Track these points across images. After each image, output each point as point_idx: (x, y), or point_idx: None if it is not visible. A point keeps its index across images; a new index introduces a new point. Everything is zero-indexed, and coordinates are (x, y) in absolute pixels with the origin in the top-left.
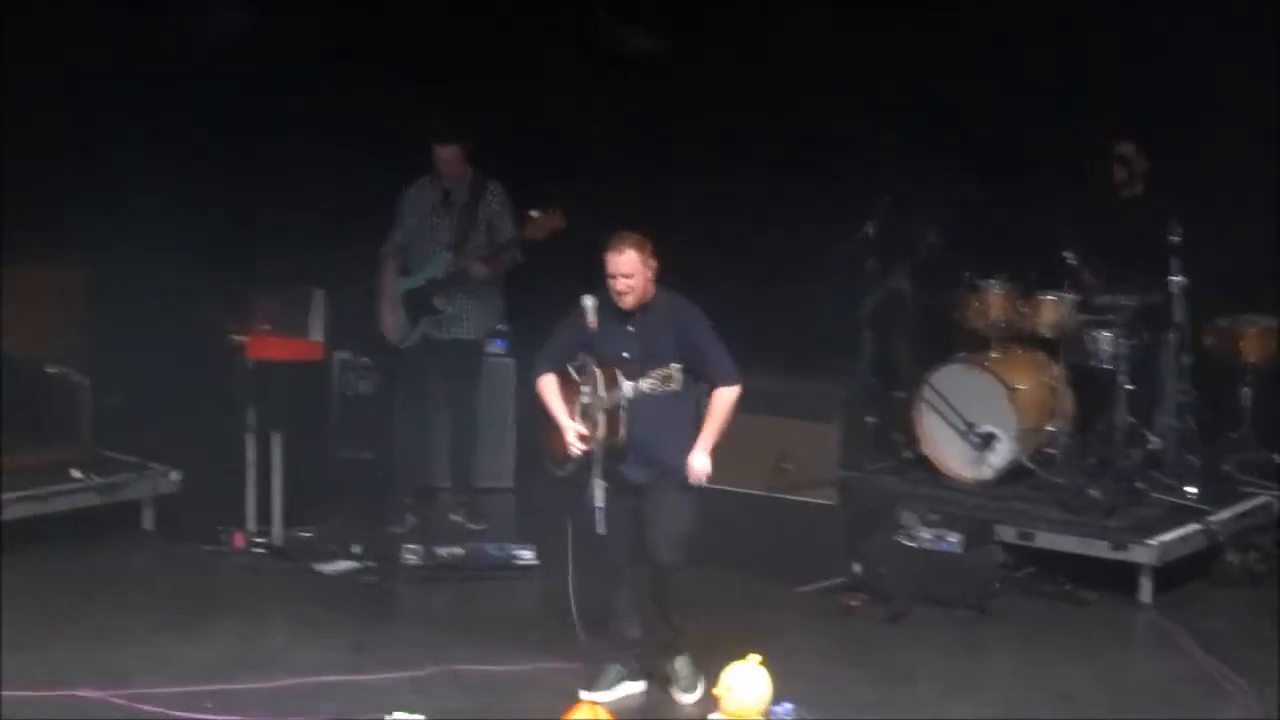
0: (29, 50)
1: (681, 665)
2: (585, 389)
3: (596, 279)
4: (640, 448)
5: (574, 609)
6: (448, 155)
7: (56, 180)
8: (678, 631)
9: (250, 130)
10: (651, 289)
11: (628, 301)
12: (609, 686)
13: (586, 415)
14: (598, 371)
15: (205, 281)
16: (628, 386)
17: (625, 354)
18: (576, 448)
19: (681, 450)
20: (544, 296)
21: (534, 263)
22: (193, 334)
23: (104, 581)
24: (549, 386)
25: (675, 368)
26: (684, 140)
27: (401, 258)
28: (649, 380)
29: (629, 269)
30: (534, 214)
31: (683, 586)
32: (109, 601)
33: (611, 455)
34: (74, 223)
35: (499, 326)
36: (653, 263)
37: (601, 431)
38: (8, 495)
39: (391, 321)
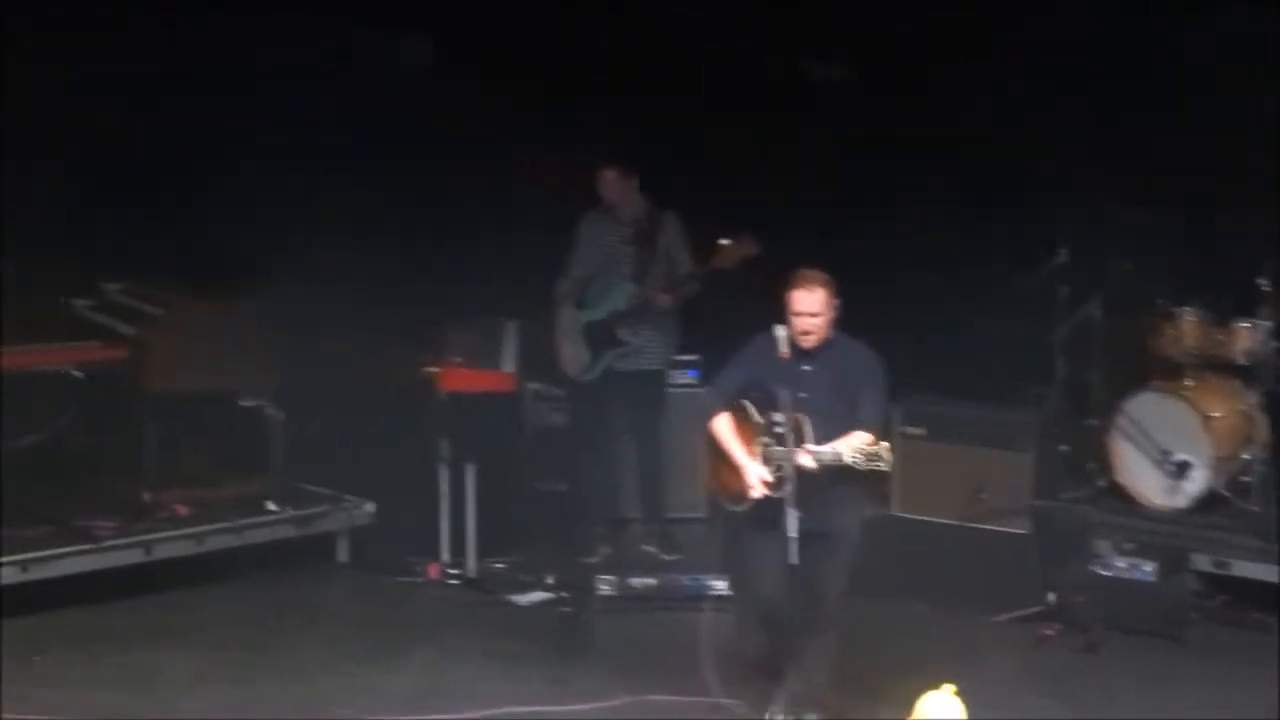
0: (217, 85)
1: None
2: (777, 441)
3: (781, 308)
4: (817, 499)
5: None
6: (610, 177)
7: (250, 212)
8: (810, 684)
9: (440, 161)
10: (830, 330)
11: (809, 341)
12: None
13: (770, 460)
14: (788, 420)
15: (398, 313)
16: (827, 452)
17: (802, 394)
18: (758, 492)
19: (849, 502)
20: (728, 324)
21: (720, 290)
22: (386, 366)
23: (299, 613)
24: (725, 424)
25: (885, 447)
26: (870, 169)
27: (579, 291)
28: (858, 454)
29: (817, 308)
30: (725, 241)
31: (835, 636)
32: (304, 633)
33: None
34: (267, 255)
35: (689, 356)
36: (836, 302)
37: (789, 481)
38: (205, 527)
39: (570, 356)
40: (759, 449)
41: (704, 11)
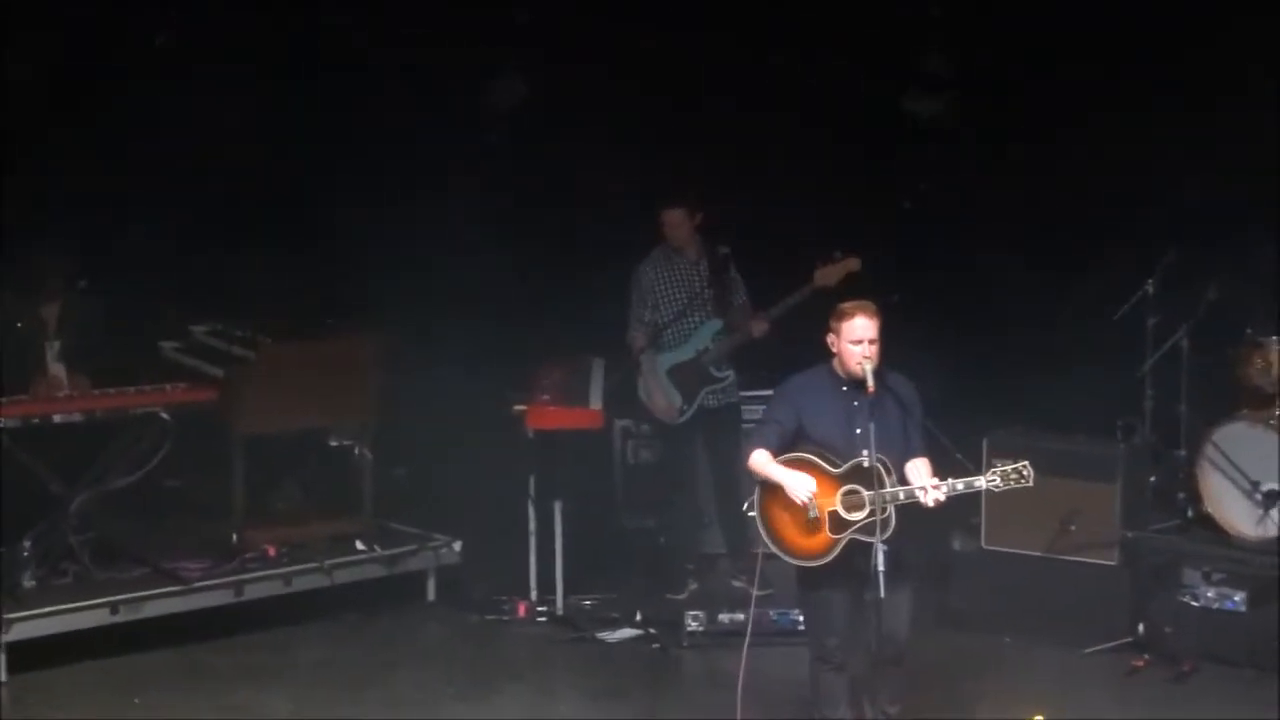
0: (308, 126)
1: None
2: (866, 483)
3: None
4: (895, 534)
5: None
6: (676, 217)
7: (337, 255)
8: (889, 718)
9: (528, 201)
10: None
11: (870, 369)
12: None
13: (864, 505)
14: (877, 460)
15: (486, 352)
16: (958, 485)
17: (859, 430)
18: (807, 499)
19: (915, 535)
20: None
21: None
22: (474, 405)
23: (390, 652)
24: (761, 456)
25: (1027, 464)
26: (959, 200)
27: (653, 334)
28: (997, 476)
29: (875, 334)
30: (822, 264)
31: (906, 672)
32: (396, 672)
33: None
34: (355, 296)
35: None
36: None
37: (891, 522)
38: (294, 568)
39: (663, 402)
40: (843, 498)
41: (806, 48)
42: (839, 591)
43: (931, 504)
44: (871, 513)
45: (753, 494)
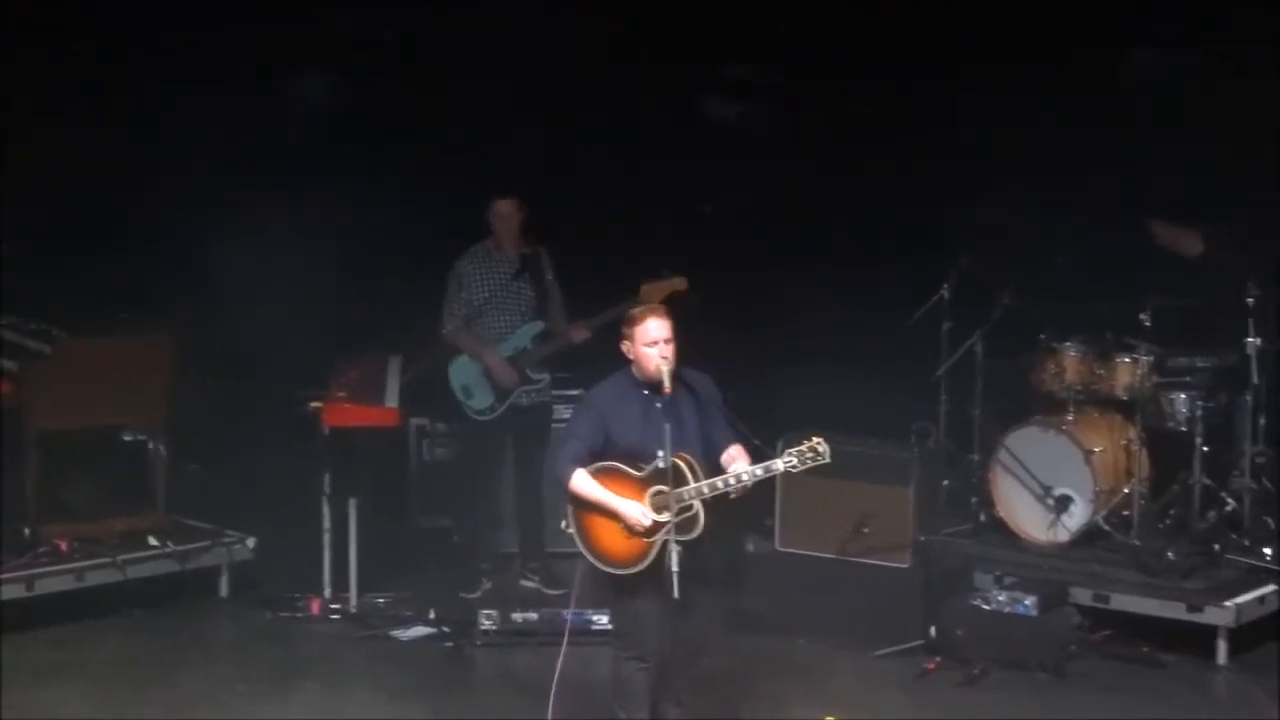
0: (108, 119)
1: None
2: (671, 482)
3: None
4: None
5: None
6: (505, 210)
7: (135, 250)
8: (683, 705)
9: (328, 197)
10: None
11: (667, 370)
12: None
13: (669, 505)
14: (681, 459)
15: (282, 349)
16: (758, 470)
17: (669, 426)
18: (646, 524)
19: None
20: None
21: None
22: (270, 401)
23: (182, 648)
24: (584, 478)
25: (821, 440)
26: (754, 203)
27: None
28: (794, 455)
29: (670, 333)
30: (649, 280)
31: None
32: (188, 668)
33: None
34: (154, 291)
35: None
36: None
37: (700, 519)
38: (86, 563)
39: (505, 370)
40: (651, 500)
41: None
42: (655, 592)
43: (734, 494)
44: (679, 511)
45: (566, 509)
